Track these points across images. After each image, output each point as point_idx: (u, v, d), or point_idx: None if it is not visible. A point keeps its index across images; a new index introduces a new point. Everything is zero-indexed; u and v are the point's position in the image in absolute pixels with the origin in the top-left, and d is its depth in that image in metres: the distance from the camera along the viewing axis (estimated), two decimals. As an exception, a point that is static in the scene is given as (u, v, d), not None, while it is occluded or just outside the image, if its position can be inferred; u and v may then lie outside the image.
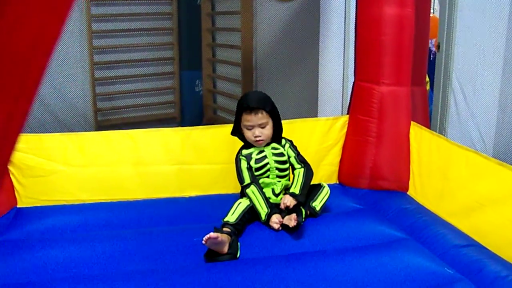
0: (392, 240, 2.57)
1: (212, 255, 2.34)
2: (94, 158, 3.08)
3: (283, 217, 2.60)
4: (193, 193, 3.14)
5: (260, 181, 2.75)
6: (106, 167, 3.07)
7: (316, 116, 4.04)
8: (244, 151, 2.76)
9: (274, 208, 2.66)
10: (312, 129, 3.32)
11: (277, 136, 2.75)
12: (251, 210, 2.66)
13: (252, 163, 2.72)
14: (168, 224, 2.74)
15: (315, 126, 3.34)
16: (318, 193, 2.78)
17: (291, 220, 2.50)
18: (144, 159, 3.12)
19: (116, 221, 2.78)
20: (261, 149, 2.75)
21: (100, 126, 6.04)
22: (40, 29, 0.75)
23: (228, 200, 2.75)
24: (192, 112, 6.79)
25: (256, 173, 2.74)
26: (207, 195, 3.14)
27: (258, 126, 2.67)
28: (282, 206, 2.64)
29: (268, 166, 2.74)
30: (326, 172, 3.32)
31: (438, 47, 3.79)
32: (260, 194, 2.67)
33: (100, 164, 3.07)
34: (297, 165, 2.80)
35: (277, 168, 2.75)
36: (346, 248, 2.46)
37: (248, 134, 2.70)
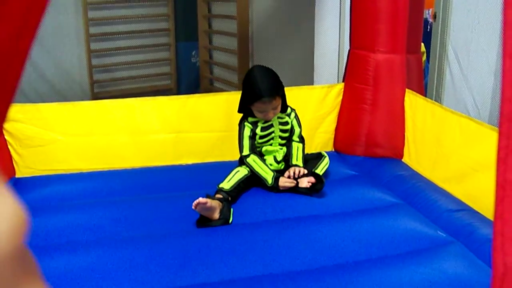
0: (386, 205, 2.60)
1: (203, 221, 2.37)
2: (92, 127, 3.09)
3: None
4: (189, 161, 3.17)
5: (263, 148, 2.77)
6: (104, 136, 3.10)
7: (312, 84, 4.05)
8: (250, 118, 2.75)
9: (276, 173, 2.69)
10: (308, 96, 3.34)
11: (283, 106, 2.75)
12: (248, 180, 2.68)
13: (258, 130, 2.73)
14: (164, 191, 2.77)
15: (311, 94, 3.35)
16: (320, 162, 2.84)
17: (304, 182, 2.61)
18: (141, 128, 3.14)
19: (113, 189, 2.81)
20: None
21: (97, 98, 6.04)
22: None
23: (224, 168, 2.78)
24: (188, 83, 6.79)
25: (260, 141, 2.76)
26: (204, 163, 3.17)
27: (271, 109, 2.67)
28: (290, 175, 2.68)
29: (273, 134, 2.76)
30: (321, 139, 3.35)
31: (435, 17, 3.78)
32: (261, 160, 2.70)
33: (97, 133, 3.09)
34: (296, 139, 2.83)
35: (280, 136, 2.78)
36: (342, 213, 2.50)
37: (259, 115, 2.69)
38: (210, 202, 2.32)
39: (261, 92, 2.57)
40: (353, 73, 3.25)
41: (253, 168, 2.68)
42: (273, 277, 1.98)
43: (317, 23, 4.10)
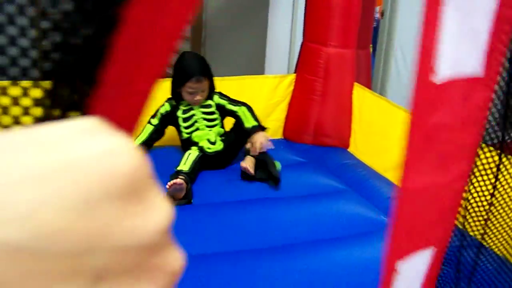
0: (333, 190, 2.74)
1: None
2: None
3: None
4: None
5: (193, 135, 2.84)
6: None
7: (263, 74, 4.15)
8: (173, 101, 2.85)
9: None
10: (260, 85, 3.43)
11: (210, 93, 2.85)
12: (201, 159, 2.76)
13: (179, 113, 2.83)
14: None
15: (263, 83, 3.45)
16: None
17: (248, 168, 2.69)
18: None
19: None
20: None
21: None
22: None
23: (166, 153, 2.88)
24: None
25: (185, 125, 2.84)
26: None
27: (200, 91, 2.77)
28: (258, 147, 2.74)
29: (195, 117, 2.83)
30: (272, 127, 3.43)
31: (382, 14, 3.95)
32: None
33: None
34: (235, 107, 2.88)
35: (204, 118, 2.85)
36: (291, 197, 2.61)
37: (189, 97, 2.78)
38: (184, 183, 2.43)
39: (193, 72, 2.71)
40: (305, 65, 3.37)
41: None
42: (229, 255, 2.08)
43: (270, 14, 4.20)
